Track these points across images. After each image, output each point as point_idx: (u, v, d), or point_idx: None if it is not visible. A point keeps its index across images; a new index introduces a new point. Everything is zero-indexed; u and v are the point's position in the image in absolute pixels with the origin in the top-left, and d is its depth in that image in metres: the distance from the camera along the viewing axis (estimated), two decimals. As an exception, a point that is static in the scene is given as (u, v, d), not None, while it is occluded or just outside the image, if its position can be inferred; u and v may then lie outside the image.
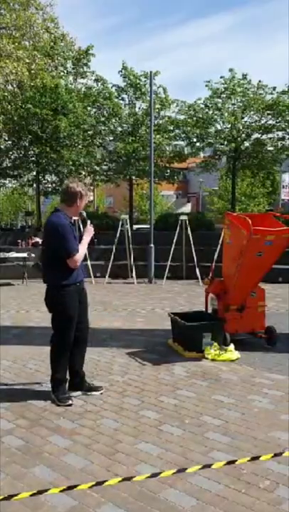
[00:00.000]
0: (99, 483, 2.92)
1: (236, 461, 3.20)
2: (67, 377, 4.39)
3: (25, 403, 4.21)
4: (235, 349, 5.71)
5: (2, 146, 18.17)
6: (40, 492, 2.82)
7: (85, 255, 14.73)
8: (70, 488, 2.87)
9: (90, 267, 13.01)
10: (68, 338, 4.25)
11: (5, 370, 5.17)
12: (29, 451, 3.34)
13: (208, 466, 3.14)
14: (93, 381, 4.80)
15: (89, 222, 4.36)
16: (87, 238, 4.27)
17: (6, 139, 18.12)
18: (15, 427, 3.73)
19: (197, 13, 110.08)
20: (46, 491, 2.84)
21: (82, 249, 4.20)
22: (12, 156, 18.44)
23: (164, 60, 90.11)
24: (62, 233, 4.06)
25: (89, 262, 13.01)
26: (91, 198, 35.34)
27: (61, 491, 2.83)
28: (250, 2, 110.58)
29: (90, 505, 2.71)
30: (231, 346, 5.73)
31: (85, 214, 4.36)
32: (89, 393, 4.45)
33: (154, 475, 3.02)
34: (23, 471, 3.08)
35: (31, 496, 2.79)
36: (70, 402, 4.19)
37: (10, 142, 18.33)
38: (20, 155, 18.22)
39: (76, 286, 4.24)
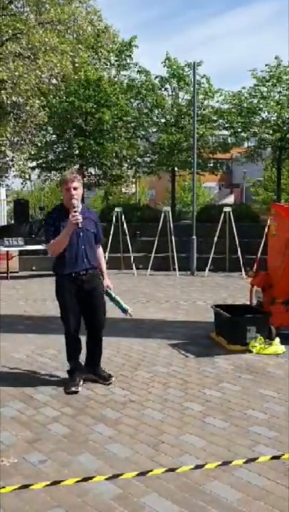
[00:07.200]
0: (143, 473, 2.94)
1: (282, 455, 3.15)
2: (78, 366, 4.51)
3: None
4: (281, 343, 5.60)
5: (47, 139, 18.44)
6: (85, 479, 2.87)
7: (127, 247, 14.46)
8: (115, 476, 2.90)
9: (132, 259, 13.08)
10: (67, 327, 4.37)
11: (51, 359, 5.29)
12: (75, 439, 3.40)
13: (254, 460, 3.10)
14: (137, 371, 4.84)
15: (74, 211, 4.07)
16: (67, 228, 4.09)
17: (51, 132, 18.38)
18: (61, 415, 3.81)
19: (228, 5, 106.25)
20: (91, 478, 2.88)
21: (58, 238, 4.14)
22: (57, 150, 18.68)
23: (195, 54, 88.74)
24: (45, 223, 4.49)
25: (131, 254, 13.08)
26: (133, 190, 35.40)
27: (106, 479, 2.87)
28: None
29: (135, 494, 2.73)
30: (277, 340, 5.63)
31: (75, 202, 4.13)
32: (100, 380, 4.52)
33: (199, 467, 3.01)
34: (69, 458, 3.14)
35: (77, 482, 2.84)
36: (74, 389, 4.27)
37: (54, 136, 18.58)
38: (65, 148, 18.44)
39: (71, 276, 4.26)
